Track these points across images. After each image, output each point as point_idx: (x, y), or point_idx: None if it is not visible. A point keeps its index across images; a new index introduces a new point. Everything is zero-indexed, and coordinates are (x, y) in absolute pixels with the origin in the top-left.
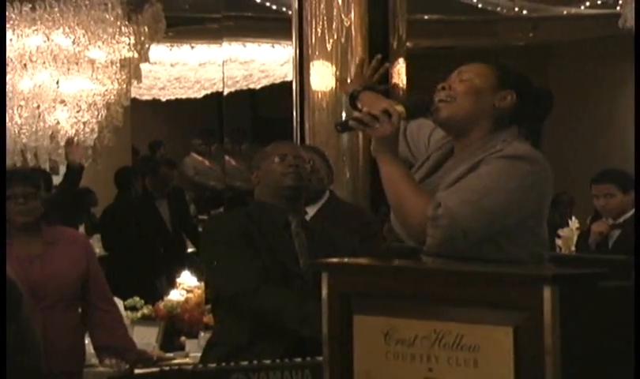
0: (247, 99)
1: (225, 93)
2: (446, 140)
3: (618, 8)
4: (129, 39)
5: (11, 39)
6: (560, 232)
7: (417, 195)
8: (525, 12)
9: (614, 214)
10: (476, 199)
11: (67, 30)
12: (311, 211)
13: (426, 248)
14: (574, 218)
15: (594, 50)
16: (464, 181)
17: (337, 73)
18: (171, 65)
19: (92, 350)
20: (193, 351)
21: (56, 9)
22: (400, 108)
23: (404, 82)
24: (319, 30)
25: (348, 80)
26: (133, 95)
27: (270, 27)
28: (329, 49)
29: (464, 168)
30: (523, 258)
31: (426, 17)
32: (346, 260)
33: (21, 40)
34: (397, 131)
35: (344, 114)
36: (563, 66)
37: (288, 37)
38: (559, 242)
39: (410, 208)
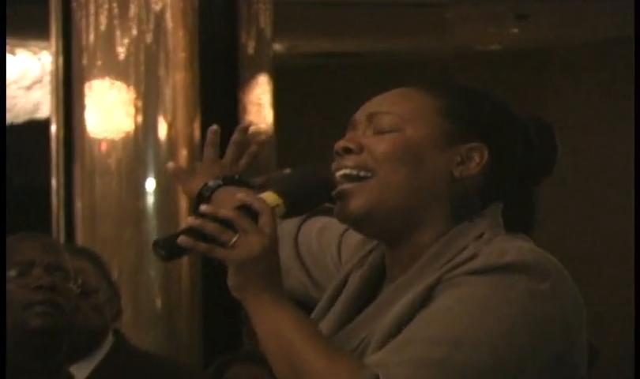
0: None
1: None
2: (372, 246)
3: None
4: None
5: None
6: None
7: (329, 361)
8: None
9: None
10: (439, 357)
11: None
12: (82, 372)
13: None
14: None
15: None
16: (415, 325)
17: (139, 103)
18: None
19: None
20: None
21: None
22: (272, 198)
23: (270, 121)
24: (103, 22)
25: (195, 165)
26: None
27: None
28: (121, 57)
29: (411, 300)
30: None
31: None
32: None
33: None
34: (274, 243)
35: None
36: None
37: (40, 37)
38: None
39: None
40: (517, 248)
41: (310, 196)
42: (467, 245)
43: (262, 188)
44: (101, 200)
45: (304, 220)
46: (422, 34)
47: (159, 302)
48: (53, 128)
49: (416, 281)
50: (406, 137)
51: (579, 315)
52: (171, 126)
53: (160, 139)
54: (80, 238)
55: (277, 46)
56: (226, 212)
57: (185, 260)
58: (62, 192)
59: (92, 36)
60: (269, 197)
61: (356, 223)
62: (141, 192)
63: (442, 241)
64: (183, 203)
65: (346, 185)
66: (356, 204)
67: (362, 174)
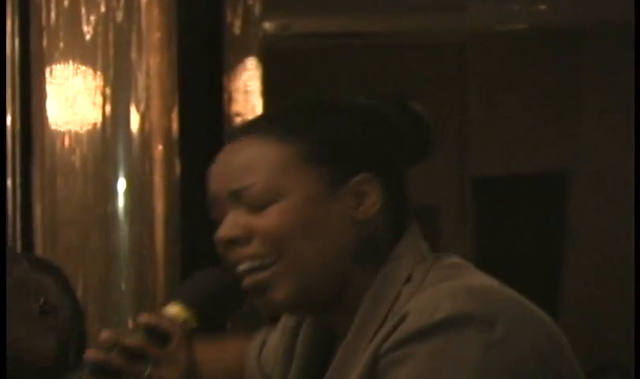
0: None
1: None
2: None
3: None
4: None
5: None
6: None
7: None
8: None
9: None
10: None
11: None
12: None
13: None
14: None
15: None
16: None
17: (108, 91)
18: None
19: None
20: None
21: None
22: (179, 312)
23: (260, 111)
24: None
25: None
26: None
27: None
28: (87, 38)
29: None
30: None
31: None
32: None
33: None
34: (191, 368)
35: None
36: None
37: None
38: None
39: None
40: (450, 295)
41: (223, 300)
42: (398, 293)
43: (167, 300)
44: (64, 203)
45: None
46: (435, 12)
47: (130, 322)
48: (8, 120)
49: (359, 343)
50: (288, 205)
51: (550, 341)
52: (144, 118)
53: (132, 132)
54: (39, 247)
55: (267, 26)
56: (131, 339)
57: (161, 274)
58: (18, 194)
59: (53, 14)
60: (176, 311)
61: (286, 311)
62: (110, 194)
63: (370, 294)
64: (159, 206)
65: (255, 278)
66: (280, 295)
67: (266, 262)
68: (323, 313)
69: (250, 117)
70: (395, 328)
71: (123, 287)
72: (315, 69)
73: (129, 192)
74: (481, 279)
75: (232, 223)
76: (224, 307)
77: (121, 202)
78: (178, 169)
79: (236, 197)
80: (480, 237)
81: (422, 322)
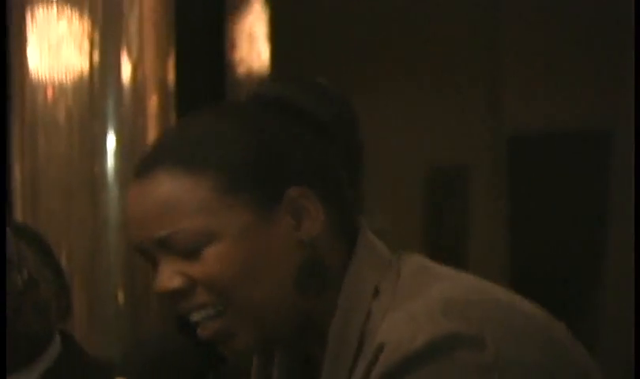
0: None
1: None
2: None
3: None
4: None
5: None
6: None
7: None
8: None
9: None
10: None
11: None
12: None
13: None
14: None
15: None
16: None
17: (96, 36)
18: None
19: None
20: None
21: None
22: None
23: (266, 58)
24: None
25: None
26: None
27: None
28: None
29: None
30: None
31: None
32: None
33: None
34: None
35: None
36: None
37: None
38: None
39: None
40: (427, 315)
41: (175, 369)
42: (369, 311)
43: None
44: (46, 162)
45: None
46: None
47: (121, 297)
48: None
49: (339, 369)
50: (224, 246)
51: (551, 349)
52: (136, 67)
53: (123, 83)
54: (18, 212)
55: None
56: None
57: None
58: None
59: None
60: None
61: (253, 354)
62: (98, 152)
63: (338, 317)
64: None
65: (211, 328)
66: (241, 343)
67: (217, 310)
68: (295, 343)
69: (256, 66)
70: (376, 359)
71: (112, 257)
72: (326, 12)
73: (119, 150)
74: (455, 286)
75: (169, 273)
76: (190, 371)
77: (110, 162)
78: (174, 122)
79: (163, 244)
80: (514, 202)
81: (402, 353)
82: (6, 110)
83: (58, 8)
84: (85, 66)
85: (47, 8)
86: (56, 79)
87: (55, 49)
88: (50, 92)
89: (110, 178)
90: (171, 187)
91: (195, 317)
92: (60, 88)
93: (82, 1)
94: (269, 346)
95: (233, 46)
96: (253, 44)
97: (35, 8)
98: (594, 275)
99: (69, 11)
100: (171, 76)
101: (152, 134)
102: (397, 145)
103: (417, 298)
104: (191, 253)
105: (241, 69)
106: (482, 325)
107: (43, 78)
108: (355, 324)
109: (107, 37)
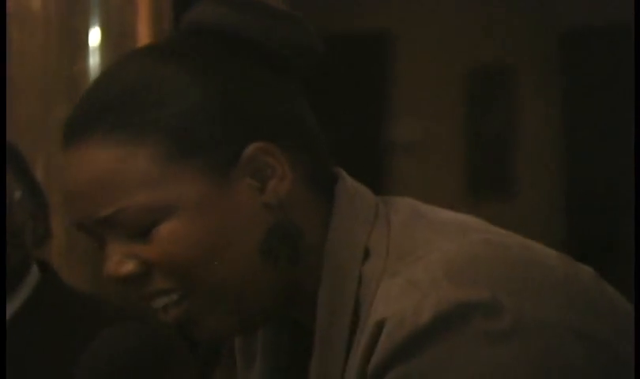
0: None
1: None
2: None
3: None
4: None
5: None
6: None
7: None
8: None
9: None
10: None
11: None
12: None
13: None
14: None
15: None
16: None
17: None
18: None
19: None
20: None
21: None
22: None
23: None
24: None
25: None
26: None
27: None
28: None
29: None
30: None
31: None
32: None
33: None
34: None
35: None
36: None
37: None
38: None
39: None
40: (430, 280)
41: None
42: (360, 276)
43: None
44: (19, 60)
45: None
46: None
47: None
48: None
49: (334, 343)
50: (177, 223)
51: (577, 302)
52: None
53: None
54: None
55: None
56: None
57: None
58: None
59: None
60: None
61: (228, 337)
62: (79, 49)
63: (324, 286)
64: None
65: (175, 315)
66: (209, 328)
67: (179, 295)
68: (278, 317)
69: None
70: (376, 337)
71: None
72: None
73: (104, 46)
74: (458, 241)
75: (119, 256)
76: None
77: (94, 60)
78: (169, 14)
79: (107, 224)
80: (566, 105)
81: (407, 330)
82: None
83: None
84: None
85: None
86: None
87: None
88: None
89: (92, 79)
90: (105, 159)
91: (156, 304)
92: None
93: None
94: (246, 329)
95: None
96: None
97: None
98: None
99: None
100: None
101: (142, 29)
102: (440, 45)
103: (415, 258)
104: (142, 232)
105: None
106: (494, 286)
107: None
108: (347, 291)
109: None
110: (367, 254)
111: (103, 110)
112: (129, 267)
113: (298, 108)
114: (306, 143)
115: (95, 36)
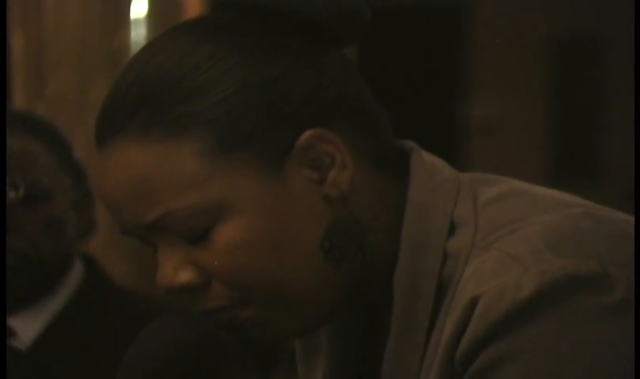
0: None
1: None
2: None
3: None
4: None
5: None
6: None
7: None
8: None
9: None
10: None
11: None
12: (33, 324)
13: None
14: None
15: None
16: None
17: None
18: None
19: None
20: None
21: None
22: None
23: None
24: None
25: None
26: None
27: None
28: None
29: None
30: None
31: None
32: None
33: None
34: None
35: None
36: None
37: None
38: None
39: None
40: (531, 253)
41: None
42: (444, 254)
43: None
44: (54, 32)
45: None
46: None
47: None
48: None
49: (414, 327)
50: (235, 225)
51: None
52: None
53: None
54: (18, 96)
55: None
56: None
57: None
58: None
59: None
60: None
61: (290, 339)
62: (120, 20)
63: (401, 267)
64: None
65: (234, 316)
66: (275, 331)
67: (241, 301)
68: (350, 311)
69: None
70: (469, 315)
71: None
72: None
73: (148, 20)
74: (556, 212)
75: (174, 263)
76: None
77: (135, 33)
78: None
79: (155, 229)
80: None
81: (507, 304)
82: None
83: None
84: None
85: None
86: None
87: None
88: None
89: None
90: (144, 159)
91: (212, 305)
92: None
93: None
94: (313, 328)
95: None
96: None
97: None
98: None
99: None
100: None
101: (190, 0)
102: (522, 17)
103: (510, 230)
104: (196, 236)
105: None
106: (602, 259)
107: None
108: (429, 270)
109: None
110: (452, 229)
111: (138, 102)
112: (186, 276)
113: (350, 83)
114: (364, 121)
115: (138, 9)
